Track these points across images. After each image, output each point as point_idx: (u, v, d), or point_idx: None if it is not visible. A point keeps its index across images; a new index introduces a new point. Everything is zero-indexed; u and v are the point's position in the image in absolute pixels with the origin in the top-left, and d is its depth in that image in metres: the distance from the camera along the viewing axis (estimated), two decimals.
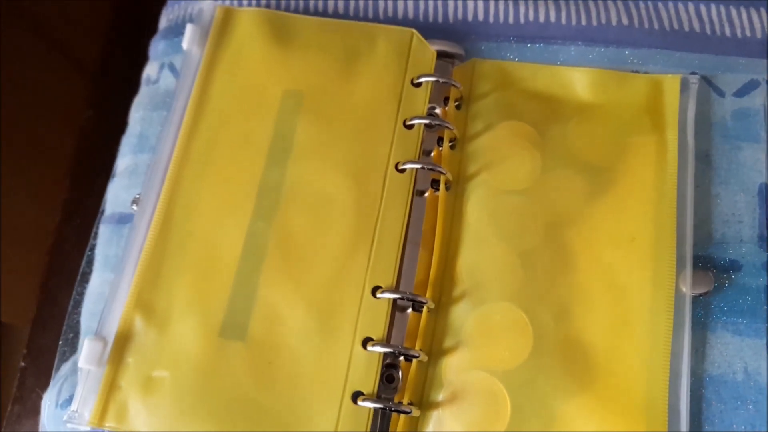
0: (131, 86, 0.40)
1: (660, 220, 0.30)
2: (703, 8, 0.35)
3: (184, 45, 0.34)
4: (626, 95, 0.33)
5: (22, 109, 0.52)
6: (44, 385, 0.34)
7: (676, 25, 0.35)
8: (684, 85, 0.32)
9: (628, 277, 0.29)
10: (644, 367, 0.28)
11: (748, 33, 0.34)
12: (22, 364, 0.41)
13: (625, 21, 0.35)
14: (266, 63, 0.34)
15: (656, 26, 0.35)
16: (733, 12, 0.35)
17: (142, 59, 0.40)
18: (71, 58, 0.59)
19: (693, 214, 0.30)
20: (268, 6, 0.37)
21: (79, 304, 0.34)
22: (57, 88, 0.56)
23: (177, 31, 0.38)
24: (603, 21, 0.35)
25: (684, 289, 0.29)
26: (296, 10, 0.37)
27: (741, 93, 0.33)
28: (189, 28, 0.34)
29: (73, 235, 0.46)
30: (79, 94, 0.55)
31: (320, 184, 0.31)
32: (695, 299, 0.29)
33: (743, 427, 0.28)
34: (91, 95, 0.53)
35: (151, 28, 0.41)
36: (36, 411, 0.33)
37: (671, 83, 0.32)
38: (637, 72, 0.34)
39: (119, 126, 0.38)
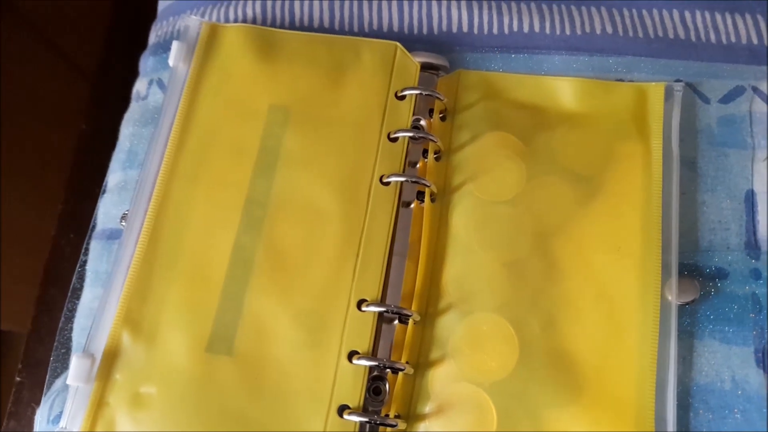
0: (127, 101, 0.40)
1: (645, 228, 0.30)
2: (687, 15, 0.35)
3: (171, 62, 0.34)
4: (611, 104, 0.33)
5: (21, 118, 0.53)
6: (40, 399, 0.34)
7: (660, 33, 0.35)
8: (668, 93, 0.32)
9: (614, 286, 0.29)
10: (631, 376, 0.28)
11: (733, 39, 0.34)
12: (18, 378, 0.41)
13: (609, 29, 0.35)
14: (252, 78, 0.34)
15: (641, 34, 0.35)
16: (718, 18, 0.35)
17: (137, 74, 0.41)
18: (71, 64, 0.59)
19: (678, 221, 0.30)
20: (253, 22, 0.37)
21: (70, 319, 0.35)
22: (56, 94, 0.56)
23: (165, 47, 0.39)
24: (587, 30, 0.35)
25: (670, 298, 0.29)
26: (281, 26, 0.37)
27: (726, 99, 0.33)
28: (175, 45, 0.35)
29: (68, 248, 0.47)
30: (77, 99, 0.55)
31: (306, 198, 0.31)
32: (682, 308, 0.29)
33: None
34: (88, 108, 0.54)
35: (146, 43, 0.41)
36: (31, 426, 0.33)
37: (655, 91, 0.32)
38: (621, 80, 0.34)
39: (114, 138, 0.39)
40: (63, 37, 0.59)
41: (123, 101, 0.40)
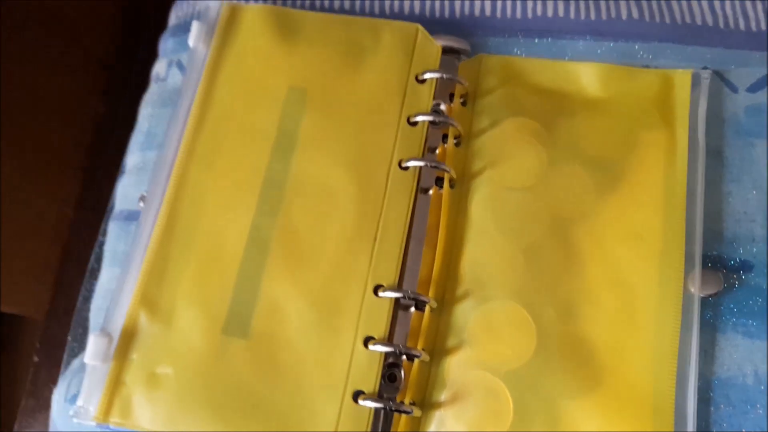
0: (147, 83, 0.40)
1: (668, 218, 0.29)
2: (716, 1, 0.34)
3: (190, 42, 0.34)
4: (635, 90, 0.32)
5: (38, 105, 0.53)
6: (57, 379, 0.34)
7: (688, 19, 0.34)
8: (695, 80, 0.32)
9: (634, 276, 0.29)
10: (651, 368, 0.28)
11: (763, 26, 0.33)
12: (36, 358, 0.41)
13: (635, 15, 0.34)
14: (272, 59, 0.33)
15: (667, 20, 0.34)
16: (748, 5, 0.34)
17: (156, 56, 0.40)
18: (87, 54, 0.59)
19: (703, 212, 0.29)
20: (274, 3, 0.37)
21: (88, 299, 0.35)
22: (72, 84, 0.57)
23: (185, 28, 0.38)
24: (612, 15, 0.34)
25: (692, 290, 0.28)
26: (302, 7, 0.36)
27: (755, 88, 0.32)
28: (195, 26, 0.34)
29: (86, 231, 0.47)
30: (94, 90, 0.55)
31: (324, 181, 0.31)
32: (704, 300, 0.29)
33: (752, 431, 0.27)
34: (106, 91, 0.54)
35: (165, 25, 0.41)
36: (49, 405, 0.34)
37: (682, 78, 0.32)
38: (647, 67, 0.33)
39: (133, 121, 0.39)
40: (79, 24, 0.59)
41: (140, 85, 0.40)
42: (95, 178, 0.49)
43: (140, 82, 0.40)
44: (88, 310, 0.35)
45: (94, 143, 0.50)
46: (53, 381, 0.35)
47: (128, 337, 0.30)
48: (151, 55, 0.41)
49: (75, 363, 0.34)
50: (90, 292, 0.35)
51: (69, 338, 0.34)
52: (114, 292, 0.31)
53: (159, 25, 0.42)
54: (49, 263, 0.48)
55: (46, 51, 0.55)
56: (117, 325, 0.30)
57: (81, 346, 0.34)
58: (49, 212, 0.52)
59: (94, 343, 0.29)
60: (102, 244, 0.36)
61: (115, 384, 0.29)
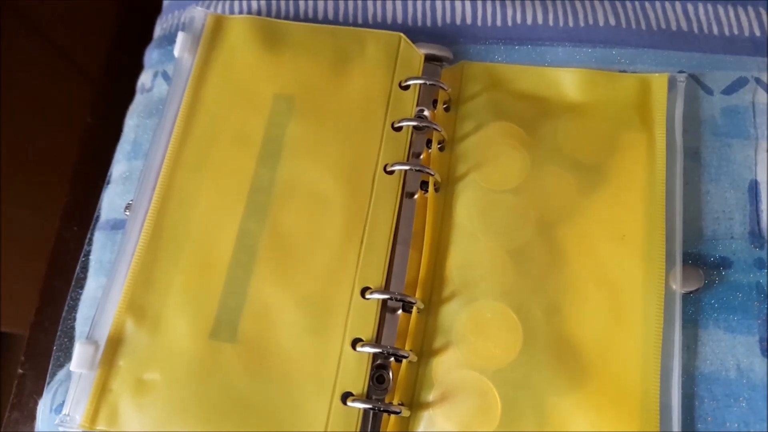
0: (132, 95, 0.40)
1: (650, 218, 0.30)
2: (690, 7, 0.35)
3: (176, 52, 0.35)
4: (614, 94, 0.33)
5: (24, 116, 0.53)
6: (42, 391, 0.34)
7: (663, 25, 0.35)
8: (671, 84, 0.32)
9: (618, 274, 0.29)
10: (636, 365, 0.28)
11: (735, 31, 0.34)
12: (20, 371, 0.41)
13: (612, 21, 0.35)
14: (257, 68, 0.34)
15: (643, 26, 0.35)
16: (721, 11, 0.35)
17: (142, 68, 0.41)
18: (75, 66, 0.60)
19: (682, 211, 0.30)
20: (258, 13, 0.37)
21: (73, 309, 0.35)
22: (60, 96, 0.57)
23: (170, 39, 0.39)
24: (590, 22, 0.35)
25: (674, 287, 0.29)
26: (286, 16, 0.37)
27: (729, 90, 0.33)
28: (180, 36, 0.35)
29: (72, 242, 0.47)
30: (81, 101, 0.55)
31: (310, 186, 0.31)
32: (686, 296, 0.29)
33: (736, 425, 0.28)
34: (93, 103, 0.54)
35: (151, 39, 0.42)
36: (34, 417, 0.33)
37: (659, 82, 0.33)
38: (625, 71, 0.34)
39: (119, 134, 0.39)
40: (67, 37, 0.59)
41: (127, 98, 0.40)
42: (80, 190, 0.49)
43: (126, 95, 0.40)
44: (73, 319, 0.34)
45: (80, 155, 0.50)
46: (39, 393, 0.34)
47: (115, 344, 0.30)
48: (137, 68, 0.41)
49: (61, 373, 0.33)
50: (76, 301, 0.35)
51: (54, 348, 0.34)
52: (100, 299, 0.31)
53: (145, 38, 0.42)
54: (35, 277, 0.48)
55: (33, 64, 0.55)
56: (103, 332, 0.30)
57: (67, 356, 0.34)
58: (34, 225, 0.51)
59: (80, 350, 0.29)
60: (88, 253, 0.36)
61: (102, 391, 0.29)
